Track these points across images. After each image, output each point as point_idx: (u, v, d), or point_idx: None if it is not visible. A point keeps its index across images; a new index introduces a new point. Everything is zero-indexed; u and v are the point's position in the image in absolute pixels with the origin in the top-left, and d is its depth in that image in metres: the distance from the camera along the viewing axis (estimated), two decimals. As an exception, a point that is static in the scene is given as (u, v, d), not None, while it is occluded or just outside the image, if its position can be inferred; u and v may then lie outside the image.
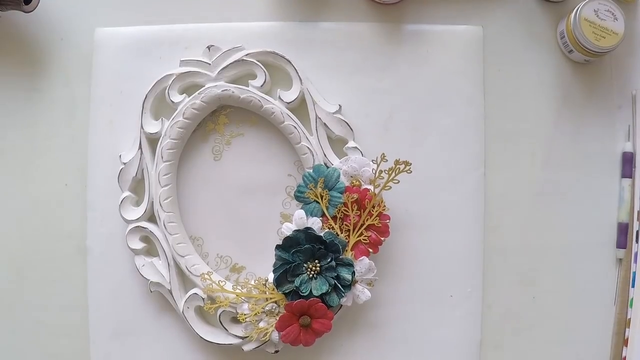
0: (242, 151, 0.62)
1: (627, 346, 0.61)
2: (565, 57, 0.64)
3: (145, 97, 0.61)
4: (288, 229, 0.58)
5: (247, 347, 0.59)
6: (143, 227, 0.60)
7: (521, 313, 0.63)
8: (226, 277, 0.61)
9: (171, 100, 0.60)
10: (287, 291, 0.57)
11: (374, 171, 0.58)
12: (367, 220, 0.58)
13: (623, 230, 0.63)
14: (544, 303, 0.63)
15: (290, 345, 0.58)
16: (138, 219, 0.60)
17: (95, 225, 0.63)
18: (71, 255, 0.63)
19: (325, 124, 0.60)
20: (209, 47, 0.61)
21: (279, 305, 0.58)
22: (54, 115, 0.64)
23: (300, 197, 0.59)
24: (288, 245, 0.57)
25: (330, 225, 0.58)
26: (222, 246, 0.62)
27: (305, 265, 0.57)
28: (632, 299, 0.61)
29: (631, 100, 0.64)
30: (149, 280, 0.60)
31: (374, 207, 0.58)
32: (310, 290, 0.56)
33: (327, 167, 0.59)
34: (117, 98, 0.63)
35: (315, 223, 0.57)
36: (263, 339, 0.58)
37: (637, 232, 0.62)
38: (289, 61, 0.60)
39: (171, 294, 0.60)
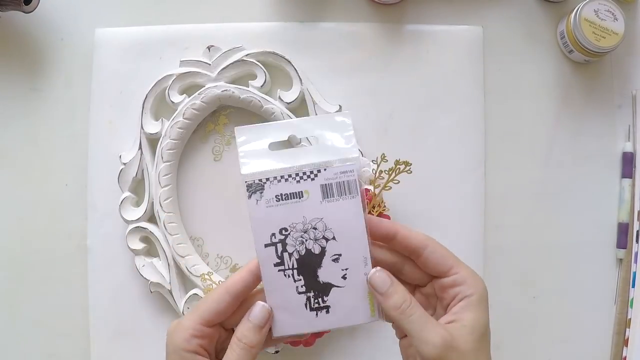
0: (242, 151, 0.62)
1: (627, 346, 0.61)
2: (565, 57, 0.64)
3: (145, 98, 0.61)
4: (288, 229, 0.58)
5: (247, 347, 0.59)
6: (143, 228, 0.60)
7: (521, 313, 0.63)
8: (226, 278, 0.61)
9: (171, 101, 0.60)
10: (287, 291, 0.57)
11: (374, 171, 0.58)
12: (367, 220, 0.58)
13: (623, 230, 0.63)
14: (544, 303, 0.63)
15: (291, 346, 0.58)
16: (138, 219, 0.60)
17: (95, 225, 0.63)
18: (71, 255, 0.63)
19: (325, 124, 0.60)
20: (209, 48, 0.61)
21: (279, 306, 0.57)
22: (54, 115, 0.64)
23: (300, 197, 0.59)
24: (288, 245, 0.57)
25: (331, 225, 0.58)
26: (222, 246, 0.62)
27: (306, 265, 0.57)
28: (632, 299, 0.61)
29: (631, 100, 0.64)
30: (149, 280, 0.60)
31: (374, 207, 0.58)
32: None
33: (327, 167, 0.59)
34: (117, 98, 0.63)
35: (315, 223, 0.57)
36: (263, 339, 0.57)
37: (637, 232, 0.62)
38: (289, 61, 0.60)
39: (171, 294, 0.60)
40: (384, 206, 0.58)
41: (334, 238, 0.39)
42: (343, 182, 0.39)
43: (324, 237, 0.39)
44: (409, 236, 0.39)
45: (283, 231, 0.39)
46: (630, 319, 0.61)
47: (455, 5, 0.64)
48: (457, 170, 0.63)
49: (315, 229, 0.39)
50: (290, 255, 0.39)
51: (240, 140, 0.40)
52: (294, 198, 0.39)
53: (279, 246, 0.39)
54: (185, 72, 0.60)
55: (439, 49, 0.63)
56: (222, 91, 0.60)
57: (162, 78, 0.61)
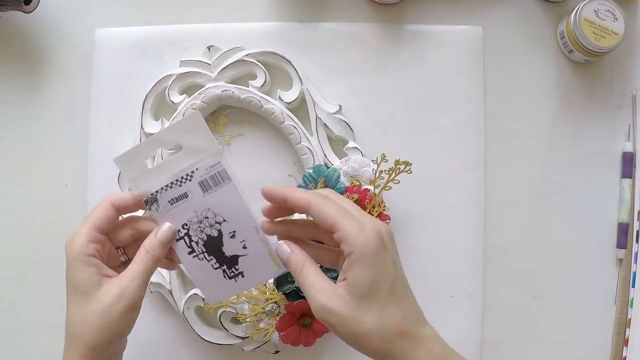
0: (242, 151, 0.62)
1: (627, 346, 0.61)
2: (565, 57, 0.64)
3: (145, 97, 0.61)
4: (288, 229, 0.58)
5: (247, 348, 0.59)
6: (143, 228, 0.60)
7: (521, 313, 0.63)
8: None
9: (171, 101, 0.60)
10: (287, 291, 0.57)
11: (374, 171, 0.58)
12: (367, 220, 0.58)
13: (623, 230, 0.63)
14: (544, 303, 0.63)
15: (291, 346, 0.58)
16: (138, 219, 0.60)
17: (95, 226, 0.63)
18: (71, 256, 0.63)
19: (325, 124, 0.60)
20: (209, 48, 0.61)
21: (279, 306, 0.58)
22: (54, 115, 0.64)
23: (300, 197, 0.59)
24: (288, 245, 0.57)
25: (331, 225, 0.58)
26: (222, 246, 0.62)
27: (306, 265, 0.57)
28: (632, 299, 0.61)
29: (631, 100, 0.64)
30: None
31: (374, 207, 0.58)
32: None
33: (327, 168, 0.59)
34: (117, 98, 0.63)
35: (315, 223, 0.57)
36: (263, 339, 0.58)
37: (637, 232, 0.62)
38: (289, 61, 0.60)
39: (171, 294, 0.60)
40: (384, 206, 0.58)
41: (224, 220, 0.46)
42: (214, 174, 0.46)
43: (216, 222, 0.47)
44: (294, 198, 0.41)
45: (184, 226, 0.47)
46: (630, 319, 0.61)
47: (455, 5, 0.64)
48: (457, 170, 0.63)
49: (207, 217, 0.47)
50: (197, 243, 0.47)
51: (122, 168, 0.46)
52: (182, 199, 0.46)
53: (186, 238, 0.47)
54: (185, 72, 0.60)
55: (439, 49, 0.63)
56: (222, 91, 0.60)
57: (162, 78, 0.61)
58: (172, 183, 0.46)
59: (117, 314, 0.43)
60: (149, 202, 0.47)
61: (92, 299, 0.43)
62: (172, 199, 0.46)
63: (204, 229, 0.47)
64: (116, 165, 0.46)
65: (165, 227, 0.46)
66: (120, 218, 0.47)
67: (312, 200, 0.41)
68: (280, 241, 0.44)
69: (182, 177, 0.46)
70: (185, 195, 0.46)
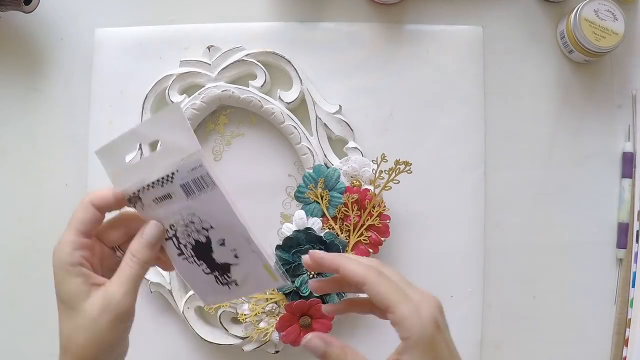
0: (242, 151, 0.62)
1: (627, 346, 0.61)
2: (565, 57, 0.64)
3: (146, 97, 0.61)
4: (288, 229, 0.58)
5: (247, 348, 0.59)
6: (143, 228, 0.60)
7: (521, 313, 0.63)
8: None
9: (171, 101, 0.60)
10: (287, 291, 0.57)
11: (374, 171, 0.58)
12: (367, 220, 0.58)
13: (623, 230, 0.63)
14: (544, 303, 0.63)
15: (291, 346, 0.58)
16: (138, 219, 0.60)
17: (95, 226, 0.63)
18: (71, 256, 0.63)
19: (325, 124, 0.60)
20: (209, 48, 0.61)
21: (279, 306, 0.58)
22: (54, 115, 0.64)
23: (300, 197, 0.59)
24: (288, 245, 0.57)
25: (331, 225, 0.58)
26: (222, 246, 0.62)
27: (306, 265, 0.57)
28: (632, 299, 0.61)
29: (631, 100, 0.64)
30: (149, 280, 0.60)
31: (374, 207, 0.58)
32: (311, 291, 0.56)
33: (327, 168, 0.59)
34: (117, 98, 0.63)
35: (315, 223, 0.57)
36: (263, 339, 0.58)
37: (637, 232, 0.62)
38: (289, 61, 0.60)
39: (171, 294, 0.60)
40: (384, 206, 0.58)
41: (212, 227, 0.40)
42: (197, 178, 0.39)
43: (203, 228, 0.41)
44: (348, 272, 0.39)
45: (172, 227, 0.41)
46: (630, 319, 0.61)
47: (455, 5, 0.64)
48: (457, 170, 0.63)
49: (192, 222, 0.41)
50: (185, 246, 0.42)
51: (103, 161, 0.42)
52: (165, 199, 0.41)
53: (174, 240, 0.42)
54: (185, 72, 0.60)
55: (439, 49, 0.63)
56: (222, 91, 0.60)
57: (162, 78, 0.61)
58: (153, 183, 0.41)
59: (105, 326, 0.40)
60: (132, 200, 0.42)
61: (79, 311, 0.40)
62: (156, 198, 0.41)
63: (190, 233, 0.41)
64: (99, 159, 0.42)
65: (150, 225, 0.41)
66: (107, 216, 0.43)
67: (368, 277, 0.38)
68: (309, 336, 0.40)
69: (162, 178, 0.40)
70: (169, 196, 0.41)
